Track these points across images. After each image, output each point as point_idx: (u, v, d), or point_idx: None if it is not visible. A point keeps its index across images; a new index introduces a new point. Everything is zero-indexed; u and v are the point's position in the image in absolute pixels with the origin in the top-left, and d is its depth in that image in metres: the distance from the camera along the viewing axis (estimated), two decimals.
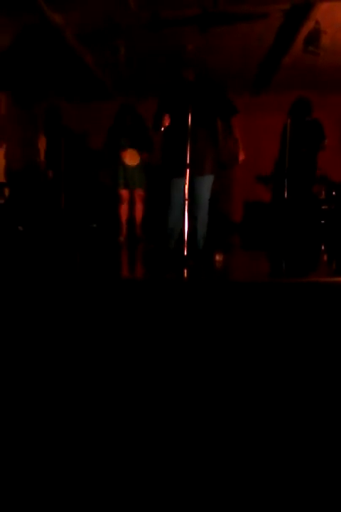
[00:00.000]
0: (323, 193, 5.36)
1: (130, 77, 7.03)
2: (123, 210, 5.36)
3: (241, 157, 3.70)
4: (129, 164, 5.20)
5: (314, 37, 5.16)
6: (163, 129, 3.59)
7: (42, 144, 5.69)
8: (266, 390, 2.00)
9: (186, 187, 3.44)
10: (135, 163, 5.22)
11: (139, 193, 5.35)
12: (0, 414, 1.89)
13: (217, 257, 4.39)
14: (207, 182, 3.75)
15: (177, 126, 3.53)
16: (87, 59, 6.28)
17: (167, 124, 3.55)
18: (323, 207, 5.29)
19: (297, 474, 1.52)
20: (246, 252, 5.15)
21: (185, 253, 3.38)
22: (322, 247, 5.05)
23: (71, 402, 1.94)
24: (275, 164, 5.22)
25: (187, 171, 3.42)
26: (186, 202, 3.45)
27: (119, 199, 5.34)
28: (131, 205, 5.43)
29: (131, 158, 5.20)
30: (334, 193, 5.34)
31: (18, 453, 1.64)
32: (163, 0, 4.73)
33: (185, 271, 3.24)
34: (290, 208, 4.52)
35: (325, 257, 4.61)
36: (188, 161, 3.41)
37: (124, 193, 5.31)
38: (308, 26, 5.12)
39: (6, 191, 6.62)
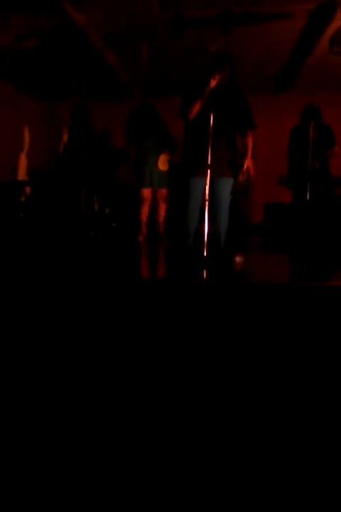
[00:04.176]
0: None
1: (152, 77, 7.05)
2: (144, 209, 5.36)
3: (252, 171, 3.75)
4: (162, 169, 5.24)
5: (339, 37, 5.09)
6: (192, 116, 3.56)
7: (64, 138, 5.73)
8: (286, 392, 1.98)
9: (207, 187, 3.43)
10: (166, 169, 5.26)
11: (162, 192, 5.34)
12: (11, 411, 1.91)
13: (238, 259, 4.36)
14: (228, 183, 3.73)
15: (199, 126, 3.51)
16: (109, 59, 6.31)
17: (196, 111, 3.53)
18: None
19: (297, 476, 1.51)
20: (267, 253, 5.10)
21: (205, 254, 3.36)
22: None
23: (84, 400, 1.95)
24: (291, 167, 5.14)
25: (208, 171, 3.41)
26: (206, 202, 3.44)
27: (141, 198, 5.33)
28: (153, 205, 5.43)
29: (163, 163, 5.23)
30: None
31: (20, 452, 1.66)
32: (187, 0, 4.71)
33: (205, 272, 3.23)
34: (312, 209, 4.47)
35: None
36: (209, 162, 3.39)
37: (146, 192, 5.30)
38: (333, 26, 5.05)
39: (28, 190, 6.70)
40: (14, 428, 1.78)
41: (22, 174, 7.56)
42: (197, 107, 3.52)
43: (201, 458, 1.59)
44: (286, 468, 1.54)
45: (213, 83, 3.43)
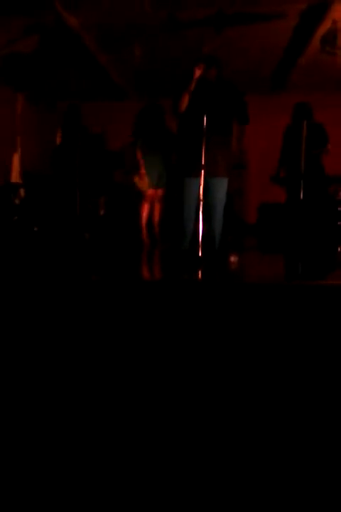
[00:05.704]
0: (340, 194, 5.30)
1: (146, 78, 7.04)
2: (146, 209, 5.31)
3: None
4: (139, 187, 5.24)
5: (331, 37, 5.11)
6: (182, 109, 3.59)
7: (58, 140, 5.69)
8: (281, 391, 1.98)
9: (201, 188, 3.43)
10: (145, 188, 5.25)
11: (158, 193, 5.31)
12: (15, 408, 1.90)
13: (232, 259, 4.37)
14: (222, 184, 3.74)
15: (193, 126, 3.52)
16: (102, 60, 6.30)
17: (186, 103, 3.55)
18: (340, 208, 5.23)
19: (297, 475, 1.51)
20: (262, 253, 5.11)
21: (200, 254, 3.36)
22: (339, 249, 5.00)
23: (82, 401, 1.95)
24: (282, 166, 5.14)
25: (202, 171, 3.41)
26: (201, 203, 3.45)
27: (143, 198, 5.28)
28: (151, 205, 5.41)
29: (142, 183, 5.23)
30: None
31: (21, 451, 1.65)
32: (179, 1, 4.71)
33: (200, 272, 3.23)
34: (306, 209, 4.48)
35: None
36: (203, 162, 3.40)
37: (151, 192, 5.26)
38: (325, 26, 5.07)
39: (22, 192, 6.67)
40: (15, 428, 1.78)
41: (16, 176, 7.52)
42: (186, 99, 3.57)
43: (199, 457, 1.59)
44: (285, 467, 1.54)
45: (197, 73, 3.48)
